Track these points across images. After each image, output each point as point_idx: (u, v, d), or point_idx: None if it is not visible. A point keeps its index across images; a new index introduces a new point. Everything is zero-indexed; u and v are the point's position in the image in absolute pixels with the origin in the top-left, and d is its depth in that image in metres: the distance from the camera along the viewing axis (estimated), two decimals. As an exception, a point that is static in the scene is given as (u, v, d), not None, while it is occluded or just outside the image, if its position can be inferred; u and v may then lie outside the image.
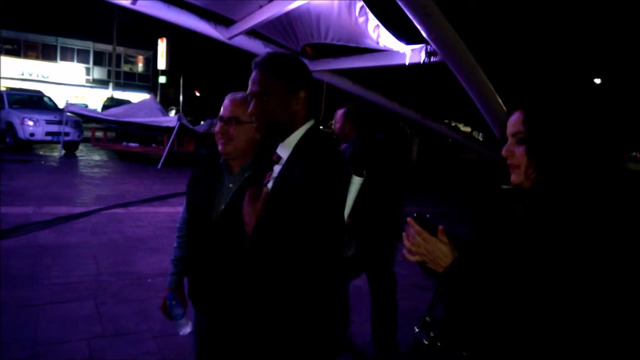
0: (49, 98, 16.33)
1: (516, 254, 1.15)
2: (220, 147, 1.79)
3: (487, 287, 1.14)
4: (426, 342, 1.32)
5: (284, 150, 1.59)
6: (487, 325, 1.15)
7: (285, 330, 1.55)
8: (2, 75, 25.57)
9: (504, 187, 1.37)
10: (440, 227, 1.29)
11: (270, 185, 1.60)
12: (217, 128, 1.79)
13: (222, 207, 1.77)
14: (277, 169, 1.61)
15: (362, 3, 5.81)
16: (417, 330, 1.35)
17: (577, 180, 1.15)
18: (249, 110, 1.58)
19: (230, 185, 1.80)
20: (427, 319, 1.34)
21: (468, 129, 31.01)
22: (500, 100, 6.75)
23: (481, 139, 24.59)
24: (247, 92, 1.60)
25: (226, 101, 1.81)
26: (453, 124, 21.43)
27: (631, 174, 1.21)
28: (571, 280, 1.06)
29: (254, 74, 1.58)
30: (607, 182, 1.16)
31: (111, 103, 24.00)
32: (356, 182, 1.52)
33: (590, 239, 1.08)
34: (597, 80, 23.60)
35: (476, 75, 6.13)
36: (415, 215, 1.31)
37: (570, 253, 1.07)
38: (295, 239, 1.44)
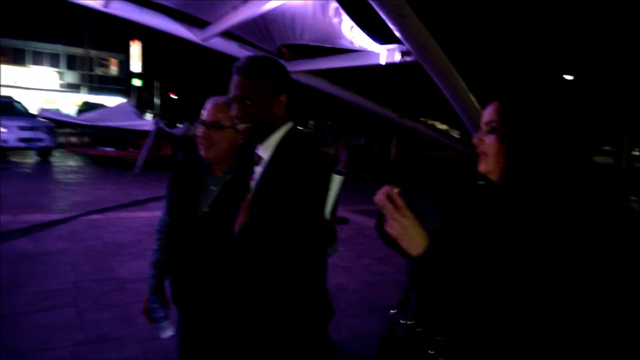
0: (19, 103, 15.97)
1: (486, 243, 1.20)
2: (202, 152, 1.81)
3: (462, 276, 1.17)
4: (402, 322, 1.33)
5: (264, 152, 1.63)
6: (460, 310, 1.19)
7: (272, 327, 1.59)
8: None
9: (480, 183, 1.41)
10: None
11: (252, 186, 1.64)
12: (198, 132, 1.81)
13: (205, 210, 1.80)
14: (258, 170, 1.65)
15: (336, 4, 5.87)
16: (393, 311, 1.37)
17: (545, 170, 1.20)
18: (232, 114, 1.62)
19: (213, 188, 1.83)
20: (404, 298, 1.35)
21: (445, 127, 31.42)
22: (474, 99, 6.88)
23: (458, 137, 24.94)
24: (230, 96, 1.62)
25: (208, 105, 1.83)
26: (430, 122, 21.67)
27: (597, 167, 1.29)
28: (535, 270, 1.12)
29: (235, 78, 1.60)
30: (573, 174, 1.22)
31: (86, 107, 23.59)
32: (337, 180, 1.57)
33: (555, 230, 1.14)
34: (569, 77, 24.15)
35: (450, 75, 6.23)
36: (400, 189, 1.29)
37: (535, 244, 1.13)
38: (281, 237, 1.48)
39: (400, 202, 1.24)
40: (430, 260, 1.19)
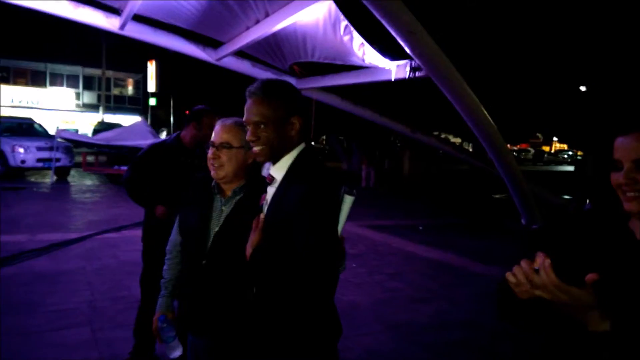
0: (39, 124, 16.33)
1: None
2: (212, 173, 1.84)
3: None
4: None
5: (277, 172, 1.64)
6: None
7: (282, 346, 1.59)
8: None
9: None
10: (590, 277, 1.05)
11: (265, 207, 1.66)
12: (209, 154, 1.85)
13: (216, 229, 1.82)
14: (270, 190, 1.66)
15: (346, 22, 5.95)
16: None
17: None
18: (247, 137, 1.64)
19: (223, 208, 1.85)
20: None
21: (458, 140, 31.34)
22: (486, 113, 6.87)
23: (471, 150, 24.81)
24: (243, 119, 1.65)
25: (217, 127, 1.87)
26: (443, 136, 21.60)
27: None
28: None
29: (249, 102, 1.62)
30: None
31: (102, 127, 23.98)
32: (348, 200, 1.59)
33: None
34: (582, 88, 23.96)
35: (460, 88, 6.26)
36: (550, 261, 1.09)
37: None
38: (294, 257, 1.49)
39: (556, 281, 1.05)
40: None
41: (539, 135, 57.53)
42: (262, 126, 1.60)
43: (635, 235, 1.20)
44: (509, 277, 1.13)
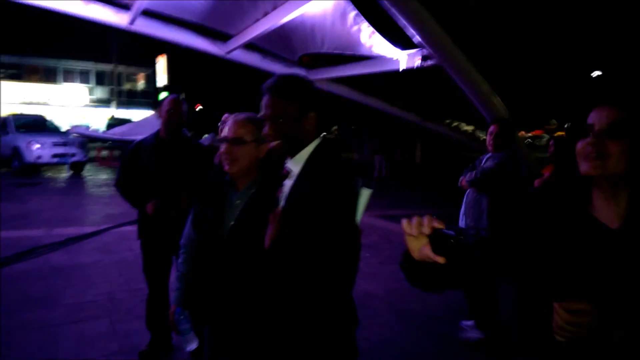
0: (51, 122, 16.53)
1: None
2: (226, 167, 1.87)
3: None
4: None
5: (295, 165, 1.67)
6: None
7: (301, 337, 1.61)
8: (5, 101, 25.85)
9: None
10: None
11: (283, 200, 1.67)
12: (222, 149, 1.87)
13: (231, 223, 1.84)
14: (288, 183, 1.68)
15: (355, 12, 5.92)
16: None
17: None
18: (265, 132, 1.67)
19: (238, 202, 1.87)
20: None
21: (471, 128, 31.03)
22: (499, 99, 6.81)
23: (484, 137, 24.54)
24: (261, 114, 1.68)
25: (229, 122, 1.89)
26: (455, 124, 21.44)
27: None
28: None
29: (266, 98, 1.65)
30: None
31: (115, 122, 24.21)
32: (365, 194, 1.62)
33: None
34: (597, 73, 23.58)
35: (472, 76, 6.20)
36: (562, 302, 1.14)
37: None
38: (315, 248, 1.51)
39: (574, 305, 1.14)
40: None
41: (554, 121, 56.76)
42: (279, 121, 1.62)
43: (598, 220, 1.25)
44: (404, 222, 1.26)
